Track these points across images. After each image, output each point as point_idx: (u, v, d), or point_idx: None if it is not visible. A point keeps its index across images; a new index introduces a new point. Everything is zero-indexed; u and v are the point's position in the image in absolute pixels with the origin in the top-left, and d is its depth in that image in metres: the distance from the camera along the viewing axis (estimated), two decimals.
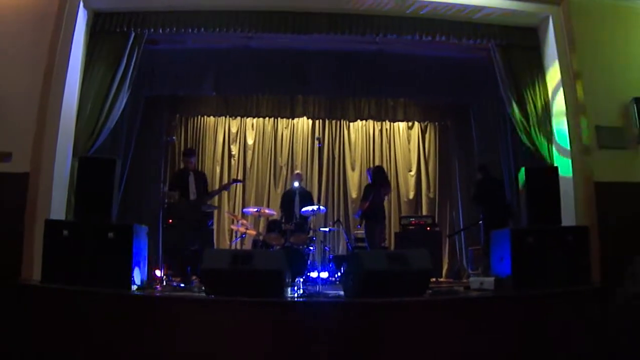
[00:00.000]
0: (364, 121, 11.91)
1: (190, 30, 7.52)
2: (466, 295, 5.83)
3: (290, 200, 9.22)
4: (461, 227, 10.63)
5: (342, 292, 6.05)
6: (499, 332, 4.91)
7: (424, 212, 11.37)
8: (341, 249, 11.00)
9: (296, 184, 9.47)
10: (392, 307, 4.88)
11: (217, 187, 10.18)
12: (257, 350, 4.61)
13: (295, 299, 5.50)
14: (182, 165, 8.62)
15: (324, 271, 8.59)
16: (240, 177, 10.96)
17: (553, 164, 7.26)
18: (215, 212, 10.11)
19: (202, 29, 7.53)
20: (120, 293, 5.22)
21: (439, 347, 4.76)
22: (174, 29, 7.46)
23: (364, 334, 4.74)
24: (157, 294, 5.45)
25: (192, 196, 7.78)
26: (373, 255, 5.76)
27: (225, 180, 10.85)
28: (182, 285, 6.74)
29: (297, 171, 10.51)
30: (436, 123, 12.02)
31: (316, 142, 10.75)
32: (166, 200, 7.25)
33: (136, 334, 4.75)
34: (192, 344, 4.64)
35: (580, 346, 5.01)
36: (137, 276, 5.75)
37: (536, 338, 4.98)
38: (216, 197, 10.24)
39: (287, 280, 5.50)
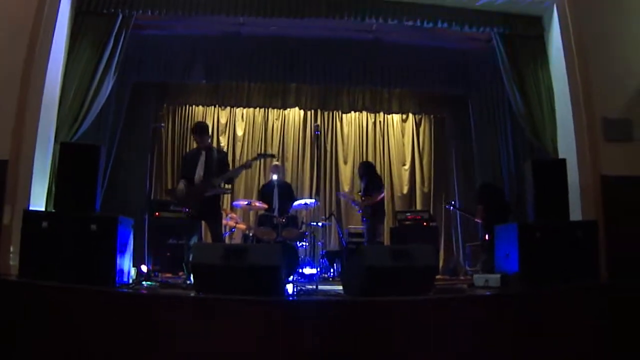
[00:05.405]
0: (357, 113, 11.69)
1: (180, 13, 7.15)
2: (478, 293, 5.58)
3: (270, 194, 8.72)
4: (458, 222, 10.39)
5: (340, 289, 5.85)
6: (509, 330, 4.71)
7: (418, 207, 11.18)
8: (332, 244, 10.74)
9: (275, 176, 8.90)
10: (398, 305, 4.60)
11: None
12: (252, 350, 4.29)
13: (295, 298, 5.23)
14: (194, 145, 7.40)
15: (315, 267, 8.33)
16: None
17: (557, 157, 7.04)
18: None
19: (194, 13, 7.17)
20: (105, 290, 4.86)
21: (447, 346, 4.53)
22: (164, 11, 7.10)
23: (369, 333, 4.45)
24: (144, 291, 5.12)
25: (197, 179, 6.62)
26: (376, 251, 5.56)
27: None
28: (170, 281, 6.37)
29: (276, 163, 10.18)
30: (431, 116, 11.88)
31: (314, 129, 10.39)
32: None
33: (122, 334, 4.40)
34: (182, 344, 4.32)
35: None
36: (123, 272, 5.41)
37: (546, 335, 4.76)
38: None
39: (283, 276, 5.19)
